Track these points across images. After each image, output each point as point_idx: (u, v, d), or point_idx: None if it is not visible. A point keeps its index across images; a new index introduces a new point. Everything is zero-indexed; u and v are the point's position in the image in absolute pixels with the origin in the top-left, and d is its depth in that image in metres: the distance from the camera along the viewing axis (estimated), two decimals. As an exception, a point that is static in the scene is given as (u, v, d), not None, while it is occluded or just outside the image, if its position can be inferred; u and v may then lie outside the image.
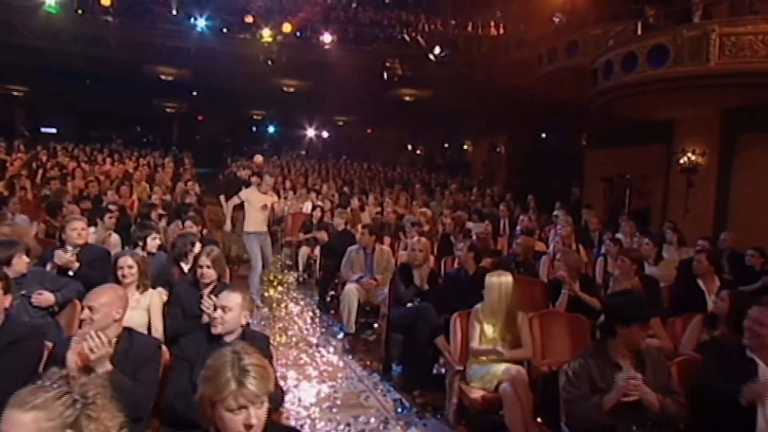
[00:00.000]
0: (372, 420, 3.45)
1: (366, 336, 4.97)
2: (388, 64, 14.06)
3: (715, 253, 5.92)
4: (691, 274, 4.61)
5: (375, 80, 15.13)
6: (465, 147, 20.57)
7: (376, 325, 4.98)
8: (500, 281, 3.36)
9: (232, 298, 2.37)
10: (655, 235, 7.39)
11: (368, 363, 4.41)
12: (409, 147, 24.56)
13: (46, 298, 3.14)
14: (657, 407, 2.19)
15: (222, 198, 7.63)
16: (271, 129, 25.69)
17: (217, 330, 2.33)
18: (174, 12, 12.97)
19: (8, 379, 2.11)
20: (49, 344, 2.35)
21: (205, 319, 2.91)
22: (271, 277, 7.03)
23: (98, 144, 17.45)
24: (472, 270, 4.30)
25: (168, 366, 2.40)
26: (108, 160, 13.67)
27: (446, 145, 22.32)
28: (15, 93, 19.69)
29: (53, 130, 21.73)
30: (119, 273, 3.19)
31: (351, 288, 4.90)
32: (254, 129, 25.62)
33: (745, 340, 2.33)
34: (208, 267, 3.23)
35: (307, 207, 9.14)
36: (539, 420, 3.05)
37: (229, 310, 2.34)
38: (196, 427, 2.03)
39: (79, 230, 4.09)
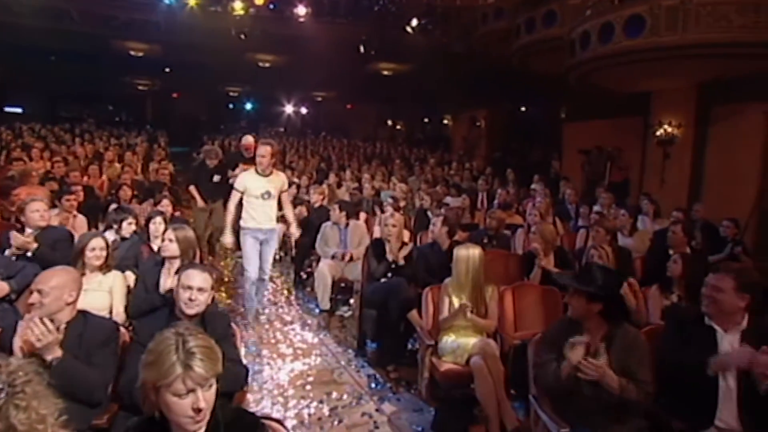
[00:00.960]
0: (345, 396, 3.43)
1: (341, 312, 4.94)
2: (364, 38, 13.74)
3: (689, 224, 6.04)
4: (665, 245, 4.66)
5: (352, 54, 14.82)
6: (445, 122, 20.46)
7: (351, 302, 4.94)
8: (468, 254, 3.33)
9: (207, 279, 2.29)
10: (632, 206, 7.49)
11: (343, 339, 4.39)
12: (389, 122, 24.34)
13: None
14: (616, 390, 2.16)
15: (192, 189, 6.21)
16: (248, 106, 25.16)
17: (191, 311, 2.25)
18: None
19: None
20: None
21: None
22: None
23: (68, 124, 16.96)
24: (445, 245, 4.25)
25: (125, 348, 2.32)
26: (78, 140, 13.29)
27: (426, 120, 22.17)
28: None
29: (19, 110, 20.91)
30: (90, 254, 3.07)
31: (324, 265, 4.87)
32: (231, 106, 25.06)
33: (703, 307, 2.33)
34: (170, 240, 3.13)
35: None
36: (512, 392, 3.07)
37: (204, 292, 2.27)
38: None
39: (41, 212, 3.93)
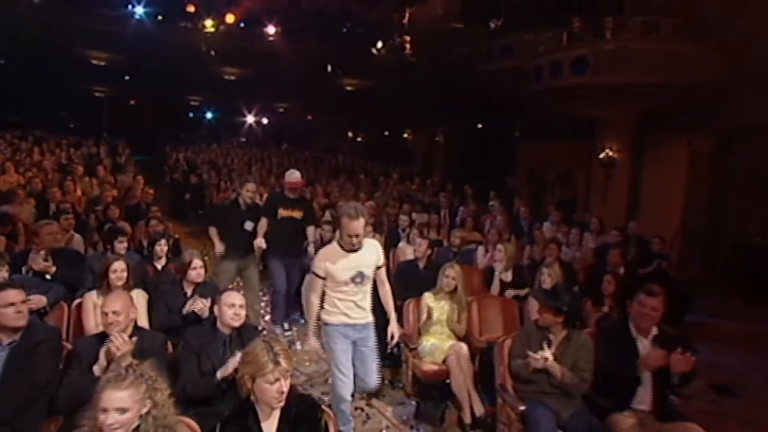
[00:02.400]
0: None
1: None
2: (331, 58, 14.35)
3: (624, 240, 6.96)
4: (604, 261, 5.47)
5: (318, 71, 15.38)
6: (405, 135, 21.22)
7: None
8: (457, 271, 3.96)
9: (242, 298, 2.83)
10: (579, 222, 8.38)
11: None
12: (350, 134, 24.92)
13: (38, 300, 3.40)
14: (558, 378, 2.88)
15: (213, 234, 5.04)
16: (209, 115, 25.14)
17: (236, 324, 2.77)
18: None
19: (40, 374, 2.46)
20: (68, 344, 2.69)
21: (202, 311, 3.35)
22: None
23: (19, 130, 16.51)
24: (424, 263, 4.88)
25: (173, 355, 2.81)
26: (37, 149, 13.12)
27: (386, 133, 22.88)
28: None
29: None
30: (113, 276, 3.49)
31: (311, 277, 5.39)
32: (191, 115, 24.96)
33: (634, 320, 3.04)
34: (201, 267, 3.62)
35: (257, 200, 9.41)
36: (479, 386, 3.73)
37: (243, 308, 2.79)
38: (203, 403, 2.48)
39: (55, 234, 4.30)
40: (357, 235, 3.03)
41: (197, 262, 3.76)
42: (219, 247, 4.96)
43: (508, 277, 5.08)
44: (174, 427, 1.88)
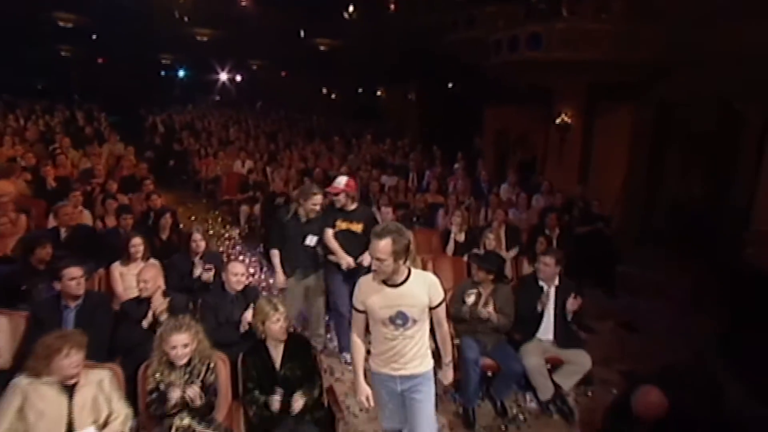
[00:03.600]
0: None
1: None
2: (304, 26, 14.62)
3: (570, 202, 7.93)
4: (545, 222, 6.44)
5: (290, 34, 15.63)
6: (378, 93, 21.66)
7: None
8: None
9: (243, 266, 3.66)
10: (535, 183, 9.32)
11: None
12: (324, 91, 25.15)
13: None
14: (495, 320, 3.85)
15: (276, 258, 4.48)
16: (181, 73, 24.93)
17: (239, 288, 3.61)
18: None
19: (99, 328, 3.28)
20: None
21: (206, 277, 4.18)
22: (212, 233, 8.04)
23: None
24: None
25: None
26: (11, 117, 13.28)
27: (360, 91, 23.22)
28: None
29: None
30: (132, 250, 4.26)
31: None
32: (163, 73, 24.72)
33: (540, 273, 4.02)
34: (201, 240, 4.42)
35: (238, 165, 10.07)
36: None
37: (245, 275, 3.62)
38: (223, 345, 3.32)
39: (71, 214, 5.01)
40: (379, 260, 2.45)
41: (197, 236, 4.55)
42: (280, 278, 4.43)
43: (461, 238, 6.01)
44: (211, 356, 2.78)
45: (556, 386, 3.97)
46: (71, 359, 2.56)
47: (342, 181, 4.40)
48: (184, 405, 2.74)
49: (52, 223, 5.46)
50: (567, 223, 6.97)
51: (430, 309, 2.64)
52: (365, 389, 2.73)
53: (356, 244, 4.32)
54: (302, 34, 15.31)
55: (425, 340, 2.70)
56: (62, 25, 15.24)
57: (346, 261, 4.28)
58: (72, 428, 2.50)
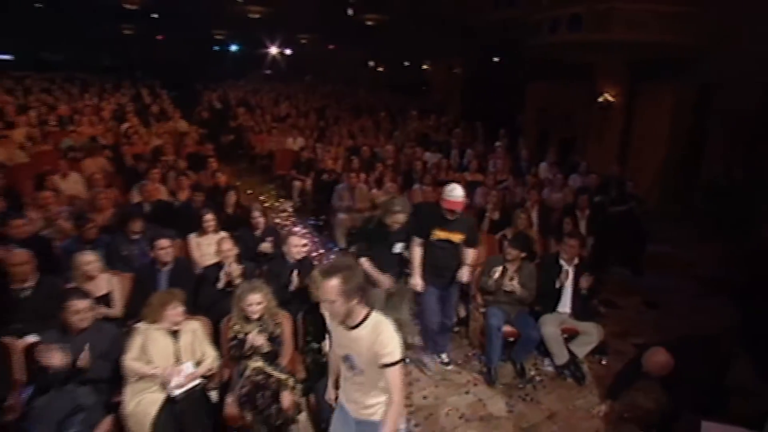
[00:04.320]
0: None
1: (352, 250, 6.99)
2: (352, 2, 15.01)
3: (605, 182, 8.19)
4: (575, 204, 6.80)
5: (339, 10, 16.07)
6: (424, 66, 21.82)
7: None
8: None
9: (302, 238, 4.34)
10: (573, 162, 9.55)
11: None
12: (370, 64, 25.48)
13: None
14: (518, 293, 4.39)
15: (367, 265, 4.20)
16: (233, 48, 25.82)
17: (299, 257, 4.30)
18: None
19: (186, 288, 4.04)
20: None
21: (267, 248, 4.90)
22: (267, 205, 8.81)
23: (59, 72, 17.71)
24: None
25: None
26: (87, 96, 14.49)
27: (406, 64, 23.42)
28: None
29: (8, 57, 21.22)
30: (205, 224, 5.03)
31: (342, 216, 6.91)
32: (216, 48, 25.69)
33: (564, 253, 4.49)
34: (260, 216, 5.14)
35: (289, 142, 10.80)
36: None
37: (306, 245, 4.30)
38: (284, 304, 3.99)
39: (152, 191, 5.86)
40: (329, 301, 2.25)
41: (256, 213, 5.27)
42: (385, 280, 4.25)
43: (496, 216, 6.49)
44: (277, 313, 3.48)
45: (572, 354, 4.50)
46: (176, 310, 3.33)
47: (459, 193, 4.05)
48: (255, 350, 3.47)
49: (136, 198, 6.34)
50: (600, 204, 7.28)
51: (381, 366, 2.27)
52: (332, 393, 2.80)
53: (453, 256, 4.21)
54: (350, 10, 15.69)
55: (381, 397, 2.39)
56: (127, 7, 16.29)
57: (417, 283, 4.20)
58: (178, 363, 3.28)
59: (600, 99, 10.60)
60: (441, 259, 4.21)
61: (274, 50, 24.47)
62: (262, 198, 9.16)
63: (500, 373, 4.48)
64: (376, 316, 2.35)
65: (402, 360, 2.31)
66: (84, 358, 3.13)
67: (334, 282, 2.20)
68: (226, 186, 6.51)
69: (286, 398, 3.31)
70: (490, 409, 4.08)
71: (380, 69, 25.09)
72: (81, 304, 3.19)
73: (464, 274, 4.21)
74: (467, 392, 4.28)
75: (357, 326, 2.32)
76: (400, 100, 18.31)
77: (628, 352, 4.88)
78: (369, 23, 17.87)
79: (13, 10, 17.99)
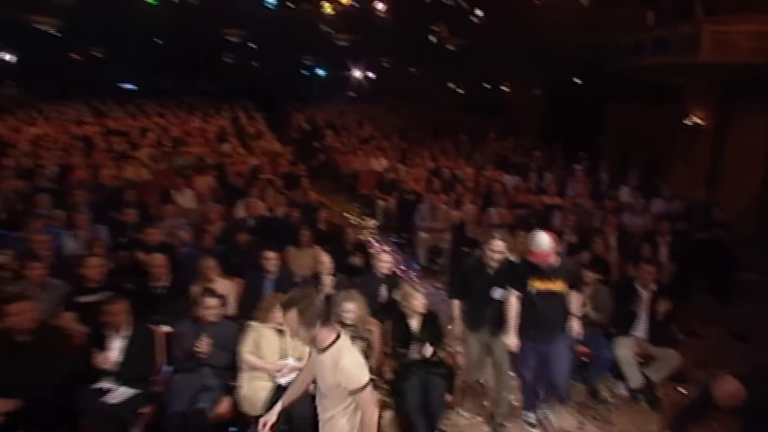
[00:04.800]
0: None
1: (433, 268, 7.42)
2: (435, 29, 15.65)
3: (691, 206, 8.03)
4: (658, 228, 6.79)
5: (422, 35, 16.77)
6: (503, 88, 21.93)
7: (439, 261, 7.41)
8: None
9: (389, 256, 4.83)
10: (657, 186, 9.38)
11: (437, 285, 6.87)
12: (450, 85, 25.90)
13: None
14: (592, 316, 4.59)
15: (456, 306, 4.19)
16: (319, 72, 27.29)
17: (386, 272, 4.80)
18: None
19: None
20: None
21: (357, 262, 5.43)
22: (353, 222, 9.42)
23: (169, 96, 19.83)
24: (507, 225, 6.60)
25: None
26: (194, 118, 16.15)
27: (485, 85, 23.61)
28: (97, 54, 22.23)
29: (133, 87, 23.87)
30: (302, 238, 5.67)
31: (424, 235, 7.35)
32: (304, 72, 27.25)
33: (641, 280, 4.62)
34: (350, 234, 5.71)
35: (374, 163, 11.45)
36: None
37: (391, 261, 4.81)
38: (373, 313, 4.46)
39: (254, 206, 6.65)
40: (293, 331, 2.43)
41: (348, 230, 5.85)
42: (458, 328, 4.14)
43: (573, 239, 6.64)
44: (368, 320, 3.97)
45: (647, 378, 4.59)
46: (281, 313, 3.90)
47: (546, 242, 3.72)
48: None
49: (241, 212, 7.16)
50: (683, 230, 7.19)
51: (350, 392, 2.41)
52: (270, 415, 2.75)
53: (558, 308, 3.83)
54: (432, 36, 16.34)
55: (342, 420, 2.50)
56: (229, 39, 18.08)
57: (512, 342, 3.80)
58: (284, 358, 3.84)
59: (687, 121, 10.33)
60: (542, 312, 3.78)
61: (357, 74, 25.66)
62: (347, 215, 9.81)
63: (572, 392, 4.65)
64: (341, 343, 2.44)
65: (369, 383, 2.42)
66: (205, 345, 3.76)
67: (292, 313, 2.37)
68: (318, 203, 7.17)
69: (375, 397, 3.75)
70: (560, 424, 4.29)
71: (459, 90, 25.46)
72: (212, 301, 3.85)
73: (574, 328, 3.88)
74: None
75: (325, 350, 2.43)
76: (479, 120, 18.56)
77: (707, 382, 4.87)
78: (450, 47, 18.39)
79: (135, 44, 20.43)
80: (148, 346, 3.81)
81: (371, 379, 2.51)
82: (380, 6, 15.02)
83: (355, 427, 2.50)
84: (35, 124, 13.71)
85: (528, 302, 3.82)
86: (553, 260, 3.78)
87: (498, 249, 3.87)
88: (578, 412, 4.46)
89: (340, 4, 15.12)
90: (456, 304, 4.13)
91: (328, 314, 2.47)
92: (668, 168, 10.81)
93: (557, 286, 3.83)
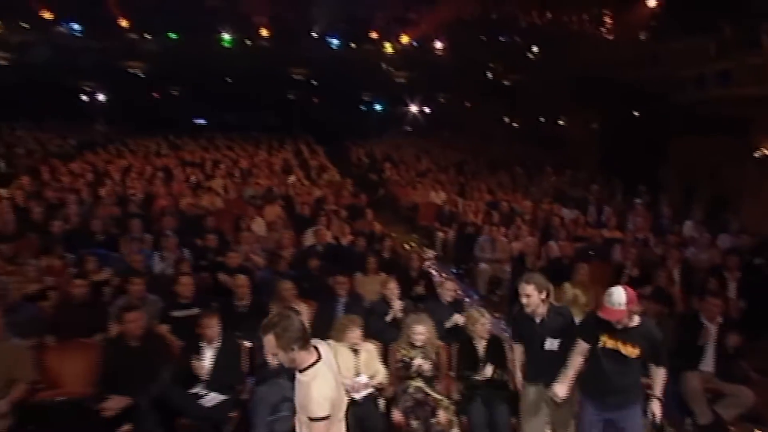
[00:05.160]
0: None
1: (493, 299, 7.55)
2: (492, 66, 16.11)
3: (762, 242, 7.82)
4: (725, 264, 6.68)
5: (478, 72, 17.23)
6: (560, 122, 21.92)
7: (499, 292, 7.56)
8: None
9: (454, 286, 5.10)
10: (724, 220, 9.15)
11: (496, 315, 6.99)
12: (505, 119, 26.10)
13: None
14: None
15: (519, 352, 3.90)
16: (376, 107, 28.19)
17: (450, 299, 5.09)
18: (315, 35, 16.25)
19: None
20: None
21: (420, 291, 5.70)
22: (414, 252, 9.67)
23: (236, 131, 21.19)
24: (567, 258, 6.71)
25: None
26: (259, 151, 17.19)
27: (541, 119, 23.65)
28: (174, 93, 24.15)
29: (204, 122, 25.60)
30: (369, 266, 6.03)
31: (484, 266, 7.54)
32: (362, 108, 28.22)
33: (705, 312, 4.63)
34: (416, 261, 6.01)
35: (432, 196, 11.77)
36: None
37: (456, 290, 5.07)
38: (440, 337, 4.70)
39: (323, 235, 7.10)
40: (271, 354, 2.54)
41: (413, 256, 6.15)
42: (518, 377, 3.89)
43: (635, 273, 6.64)
44: (436, 343, 4.21)
45: (717, 416, 4.53)
46: (355, 333, 4.22)
47: (619, 300, 3.20)
48: (418, 372, 4.21)
49: (309, 239, 7.64)
50: (755, 266, 7.02)
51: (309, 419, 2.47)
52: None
53: (625, 373, 3.33)
54: (489, 73, 16.76)
55: None
56: (295, 78, 19.31)
57: (560, 390, 3.41)
58: (358, 375, 4.14)
59: (756, 153, 10.09)
60: (606, 373, 3.32)
61: (413, 109, 26.35)
62: (406, 246, 10.12)
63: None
64: (319, 367, 2.50)
65: (324, 418, 2.45)
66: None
67: (270, 337, 2.44)
68: (381, 233, 7.54)
69: (442, 415, 3.98)
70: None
71: (515, 124, 25.60)
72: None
73: (655, 409, 3.39)
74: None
75: (303, 371, 2.51)
76: (535, 154, 18.61)
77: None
78: (506, 83, 18.72)
79: (207, 83, 22.07)
80: (236, 357, 4.23)
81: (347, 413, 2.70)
82: (438, 45, 15.61)
83: None
84: (123, 156, 15.06)
85: (593, 360, 3.39)
86: (629, 320, 3.29)
87: (527, 293, 3.55)
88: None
89: (400, 43, 15.87)
90: (519, 352, 3.84)
91: (306, 337, 2.51)
92: (736, 202, 10.51)
93: (628, 349, 3.30)
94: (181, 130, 21.07)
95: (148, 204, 9.79)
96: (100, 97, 23.11)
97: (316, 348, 2.58)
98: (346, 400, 2.74)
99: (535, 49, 14.99)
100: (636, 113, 16.75)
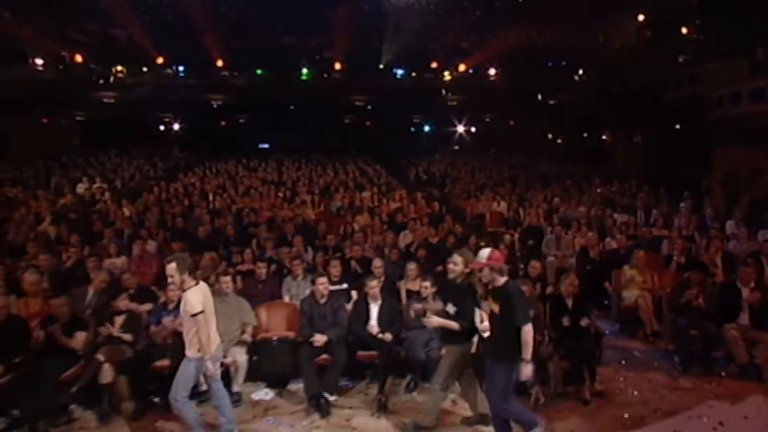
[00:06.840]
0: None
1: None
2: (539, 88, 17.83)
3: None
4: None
5: (526, 93, 18.86)
6: (603, 137, 23.14)
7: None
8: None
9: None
10: (763, 220, 10.25)
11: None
12: (549, 136, 27.42)
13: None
14: (702, 307, 6.07)
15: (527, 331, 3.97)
16: (426, 128, 29.98)
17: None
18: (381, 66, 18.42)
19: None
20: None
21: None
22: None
23: (299, 155, 23.25)
24: (623, 249, 8.15)
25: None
26: (326, 172, 19.17)
27: (585, 135, 24.90)
28: (241, 120, 26.71)
29: (267, 146, 27.96)
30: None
31: (551, 258, 9.03)
32: (412, 129, 30.06)
33: (740, 280, 6.03)
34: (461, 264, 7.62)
35: (495, 205, 13.31)
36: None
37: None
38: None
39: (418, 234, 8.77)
40: (170, 277, 4.09)
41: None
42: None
43: (682, 260, 7.99)
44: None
45: (752, 357, 5.87)
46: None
47: (485, 253, 4.02)
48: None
49: (405, 241, 9.33)
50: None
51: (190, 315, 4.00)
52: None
53: (496, 328, 4.02)
54: (538, 95, 18.40)
55: (193, 339, 4.04)
56: (357, 104, 21.43)
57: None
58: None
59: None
60: (491, 327, 4.18)
61: (461, 128, 28.01)
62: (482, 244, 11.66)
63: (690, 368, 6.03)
64: (197, 286, 4.08)
65: (201, 312, 3.96)
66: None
67: (172, 265, 4.03)
68: (464, 234, 9.15)
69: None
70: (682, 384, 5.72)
71: (559, 140, 26.88)
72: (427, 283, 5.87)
73: (522, 370, 3.88)
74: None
75: (185, 290, 4.04)
76: (581, 168, 19.89)
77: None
78: (551, 102, 20.23)
79: (272, 110, 24.41)
80: (395, 311, 5.90)
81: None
82: (492, 71, 17.36)
83: (198, 344, 4.00)
84: (213, 177, 17.30)
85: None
86: (495, 280, 3.98)
87: (453, 261, 4.50)
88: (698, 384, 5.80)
89: (458, 71, 17.74)
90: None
91: (192, 269, 4.10)
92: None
93: (494, 307, 3.98)
94: (249, 153, 23.39)
95: (256, 216, 11.74)
96: (176, 126, 25.88)
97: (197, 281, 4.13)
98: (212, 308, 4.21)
99: (580, 71, 16.47)
100: (678, 128, 17.96)
